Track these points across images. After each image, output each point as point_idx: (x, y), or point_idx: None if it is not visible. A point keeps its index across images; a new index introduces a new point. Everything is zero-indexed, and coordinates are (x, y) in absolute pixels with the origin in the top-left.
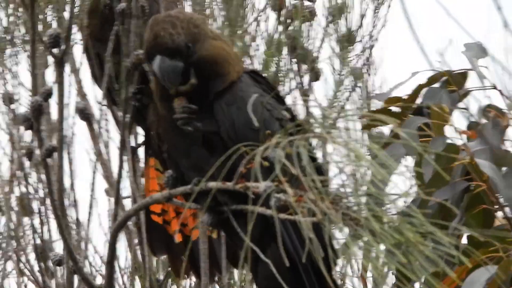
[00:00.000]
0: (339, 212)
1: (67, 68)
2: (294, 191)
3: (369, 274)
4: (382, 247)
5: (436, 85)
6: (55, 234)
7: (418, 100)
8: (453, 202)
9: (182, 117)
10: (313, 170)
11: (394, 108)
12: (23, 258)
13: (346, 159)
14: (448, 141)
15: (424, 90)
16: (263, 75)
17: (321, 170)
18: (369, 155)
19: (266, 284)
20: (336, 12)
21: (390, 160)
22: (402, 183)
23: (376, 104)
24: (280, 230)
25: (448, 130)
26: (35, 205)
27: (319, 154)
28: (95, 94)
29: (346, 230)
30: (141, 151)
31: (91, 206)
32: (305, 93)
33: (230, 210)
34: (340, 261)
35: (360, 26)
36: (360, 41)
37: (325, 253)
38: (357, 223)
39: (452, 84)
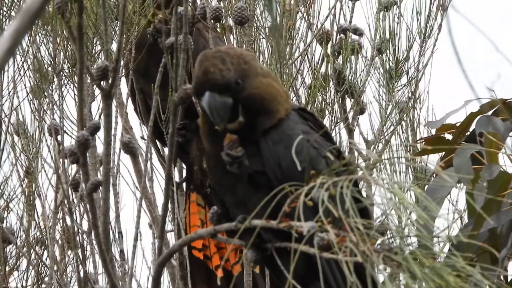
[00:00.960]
0: (380, 254)
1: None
2: (337, 231)
3: None
4: None
5: (488, 113)
6: (100, 267)
7: (471, 128)
8: (503, 230)
9: (228, 160)
10: (356, 212)
11: (447, 136)
12: None
13: (388, 201)
14: (501, 169)
15: (476, 118)
16: (311, 112)
17: (365, 210)
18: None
19: None
20: (383, 46)
21: (432, 205)
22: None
23: (424, 134)
24: (324, 269)
25: (501, 158)
26: (79, 238)
27: (364, 194)
28: (141, 127)
29: (388, 270)
30: (183, 186)
31: (136, 240)
32: (349, 126)
33: (274, 248)
34: None
35: (406, 57)
36: (407, 73)
37: None
38: (398, 265)
39: (504, 112)
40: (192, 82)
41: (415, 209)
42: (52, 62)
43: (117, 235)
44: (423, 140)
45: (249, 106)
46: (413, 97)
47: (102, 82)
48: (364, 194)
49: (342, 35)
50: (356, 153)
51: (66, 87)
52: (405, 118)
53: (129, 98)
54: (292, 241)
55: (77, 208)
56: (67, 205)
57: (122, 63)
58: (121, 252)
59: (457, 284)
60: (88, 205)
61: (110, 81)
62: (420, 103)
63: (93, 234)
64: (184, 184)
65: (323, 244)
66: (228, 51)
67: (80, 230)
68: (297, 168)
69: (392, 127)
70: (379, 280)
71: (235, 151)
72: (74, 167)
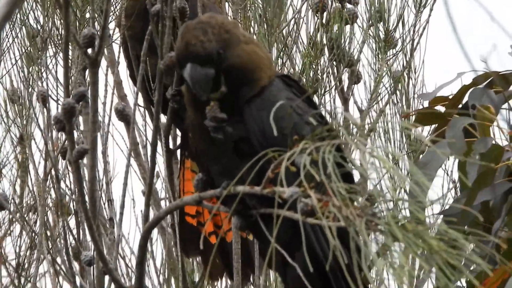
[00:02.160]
0: (363, 219)
1: (108, 69)
2: (320, 196)
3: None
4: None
5: (481, 86)
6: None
7: (463, 101)
8: (496, 203)
9: (212, 125)
10: (338, 176)
11: (439, 108)
12: (58, 259)
13: (370, 166)
14: (493, 142)
15: (469, 91)
16: (295, 79)
17: (349, 176)
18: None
19: (294, 286)
20: (376, 16)
21: (423, 179)
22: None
23: (418, 105)
24: (309, 235)
25: (494, 131)
26: (72, 205)
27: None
28: (134, 95)
29: (373, 236)
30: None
31: (122, 207)
32: (344, 95)
33: (259, 214)
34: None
35: (398, 25)
36: (402, 41)
37: (351, 258)
38: (380, 230)
39: (497, 85)
40: (174, 53)
41: (396, 174)
42: (42, 30)
43: (107, 204)
44: (415, 112)
45: (231, 76)
46: (407, 67)
47: (89, 50)
48: (350, 160)
49: (337, 4)
50: (349, 120)
51: (57, 55)
52: (399, 88)
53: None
54: (275, 207)
55: (69, 175)
56: (55, 173)
57: (117, 30)
58: (110, 220)
59: (440, 248)
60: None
61: (96, 49)
62: (415, 73)
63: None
64: (179, 151)
65: (307, 209)
66: (210, 20)
67: (72, 198)
68: (281, 135)
69: (386, 97)
70: (363, 245)
71: (219, 114)
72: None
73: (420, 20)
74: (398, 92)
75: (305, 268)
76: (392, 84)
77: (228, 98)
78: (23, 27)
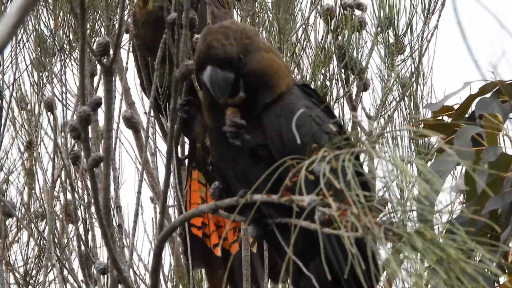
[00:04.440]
0: (381, 228)
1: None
2: (338, 205)
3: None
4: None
5: (488, 95)
6: (100, 241)
7: (470, 110)
8: (503, 212)
9: (231, 130)
10: (357, 185)
11: (446, 118)
12: (66, 266)
13: (390, 174)
14: (501, 151)
15: (475, 100)
16: (314, 88)
17: (367, 185)
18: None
19: None
20: (385, 22)
21: (435, 178)
22: (449, 195)
23: (426, 113)
24: (324, 244)
25: (501, 140)
26: (80, 212)
27: (366, 169)
28: (142, 102)
29: (390, 245)
30: (186, 163)
31: (136, 215)
32: (353, 103)
33: (275, 223)
34: (383, 277)
35: (407, 31)
36: (411, 47)
37: (368, 268)
38: (399, 238)
39: (504, 94)
40: (194, 56)
41: (417, 181)
42: (53, 36)
43: (115, 210)
44: (422, 122)
45: (250, 81)
46: (415, 72)
47: (103, 58)
48: (365, 167)
49: (345, 11)
50: (358, 127)
51: (66, 62)
52: (407, 94)
53: (133, 72)
54: (293, 216)
55: (77, 182)
56: (68, 180)
57: (127, 37)
58: (119, 226)
59: (459, 257)
60: (89, 180)
61: (111, 57)
62: (423, 79)
63: (93, 209)
64: (187, 161)
65: (324, 219)
66: (231, 26)
67: (81, 205)
68: (300, 142)
69: (394, 103)
70: (380, 254)
71: (238, 120)
72: (72, 140)
73: (428, 26)
74: (406, 99)
75: (320, 278)
76: (400, 91)
77: (246, 104)
78: (34, 32)
